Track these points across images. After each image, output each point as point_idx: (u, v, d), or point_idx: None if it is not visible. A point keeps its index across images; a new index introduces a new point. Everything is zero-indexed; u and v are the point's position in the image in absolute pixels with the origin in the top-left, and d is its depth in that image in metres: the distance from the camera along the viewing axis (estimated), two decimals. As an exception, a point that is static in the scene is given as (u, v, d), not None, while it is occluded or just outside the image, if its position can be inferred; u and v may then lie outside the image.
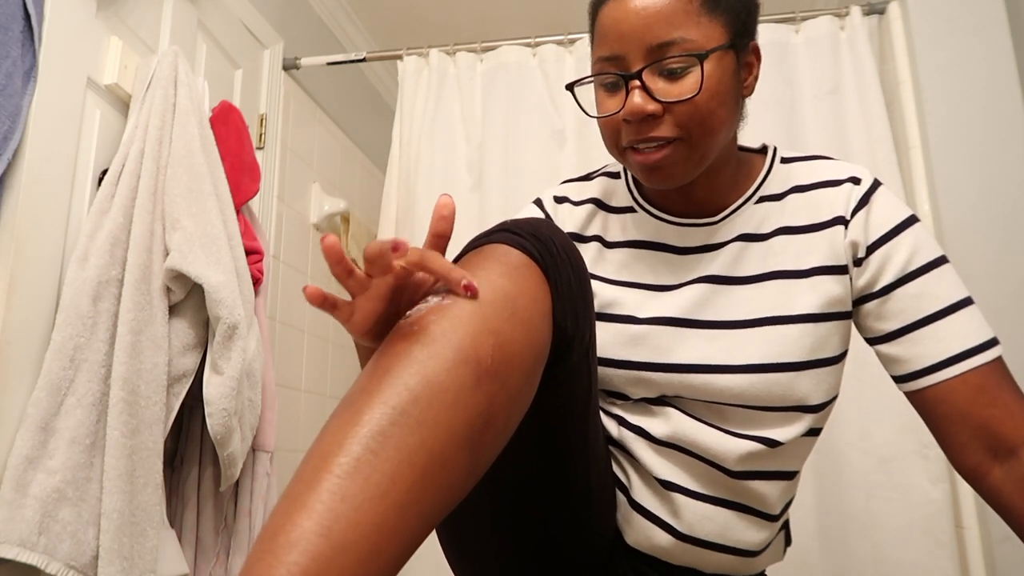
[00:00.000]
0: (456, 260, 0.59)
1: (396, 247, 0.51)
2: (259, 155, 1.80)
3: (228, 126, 1.45)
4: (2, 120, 1.03)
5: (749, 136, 0.84)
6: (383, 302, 0.54)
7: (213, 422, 1.19)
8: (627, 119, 0.70)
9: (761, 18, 0.84)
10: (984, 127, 1.54)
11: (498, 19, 2.46)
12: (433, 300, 0.51)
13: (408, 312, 0.52)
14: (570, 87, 0.77)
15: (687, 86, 0.68)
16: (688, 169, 0.72)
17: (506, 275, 0.53)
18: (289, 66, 1.94)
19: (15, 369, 1.04)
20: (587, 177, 0.90)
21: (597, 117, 0.74)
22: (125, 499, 1.06)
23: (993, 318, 0.80)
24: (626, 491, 0.76)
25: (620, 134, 0.72)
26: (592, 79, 0.75)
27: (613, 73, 0.71)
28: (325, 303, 0.53)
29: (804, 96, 1.64)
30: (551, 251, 0.57)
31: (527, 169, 1.72)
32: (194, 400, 1.26)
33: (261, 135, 1.82)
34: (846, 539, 1.42)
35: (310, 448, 0.44)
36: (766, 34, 1.67)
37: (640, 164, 0.71)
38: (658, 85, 0.69)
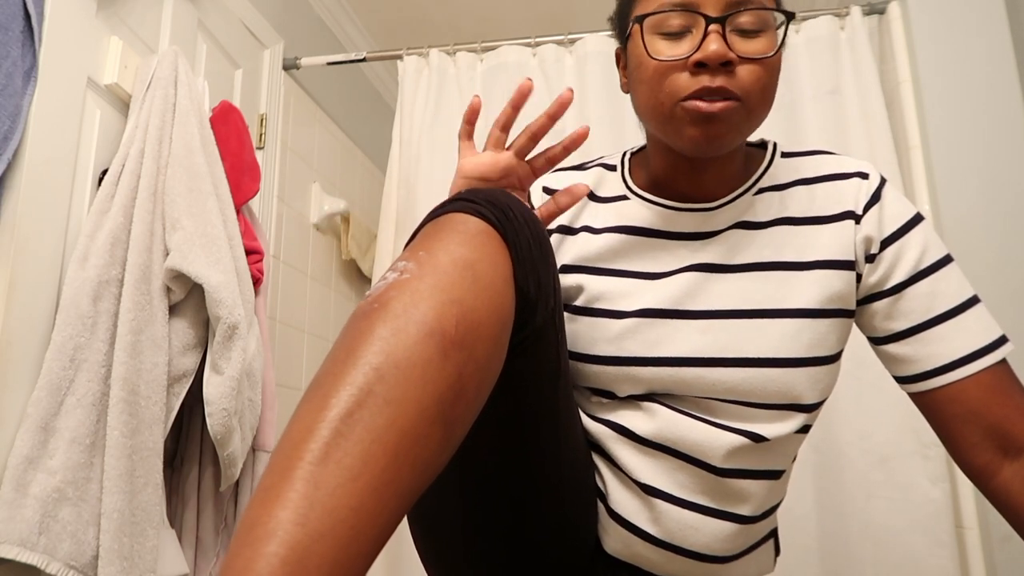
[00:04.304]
0: (414, 234, 0.59)
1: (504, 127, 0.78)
2: (259, 155, 1.80)
3: (228, 126, 1.45)
4: (2, 120, 1.03)
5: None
6: (487, 168, 0.76)
7: (213, 422, 1.18)
8: (703, 63, 0.66)
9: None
10: (984, 127, 1.54)
11: (498, 19, 2.47)
12: (391, 276, 0.51)
13: (368, 292, 0.52)
14: (640, 19, 0.70)
15: (760, 45, 0.67)
16: (736, 136, 0.69)
17: (464, 243, 0.53)
18: (289, 66, 1.94)
19: (15, 369, 1.04)
20: (581, 167, 0.86)
21: (663, 60, 0.68)
22: (125, 499, 1.06)
23: (993, 318, 0.79)
24: (603, 498, 0.75)
25: (679, 84, 0.68)
26: (655, 15, 0.69)
27: (695, 13, 0.67)
28: (466, 129, 0.78)
29: (804, 96, 1.64)
30: (508, 216, 0.57)
31: (527, 169, 1.72)
32: (194, 400, 1.26)
33: (261, 135, 1.83)
34: (846, 539, 1.42)
35: (281, 437, 0.43)
36: (766, 34, 1.67)
37: (701, 112, 0.67)
38: (732, 39, 0.67)
